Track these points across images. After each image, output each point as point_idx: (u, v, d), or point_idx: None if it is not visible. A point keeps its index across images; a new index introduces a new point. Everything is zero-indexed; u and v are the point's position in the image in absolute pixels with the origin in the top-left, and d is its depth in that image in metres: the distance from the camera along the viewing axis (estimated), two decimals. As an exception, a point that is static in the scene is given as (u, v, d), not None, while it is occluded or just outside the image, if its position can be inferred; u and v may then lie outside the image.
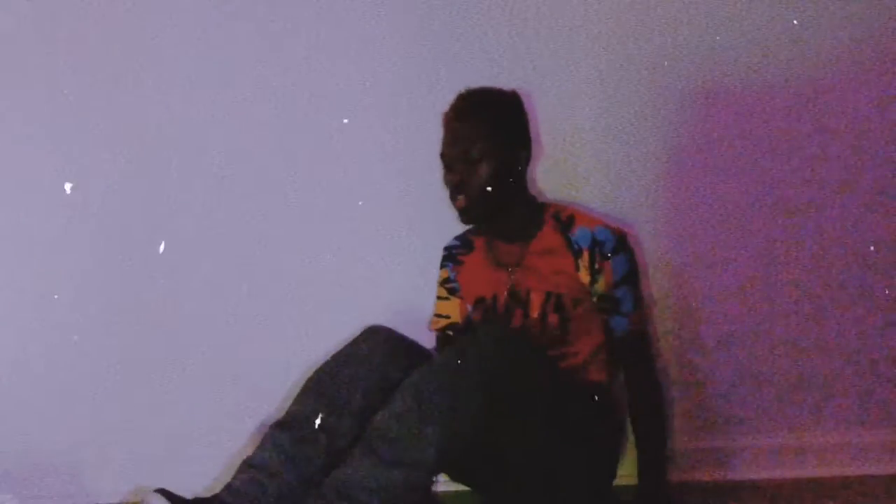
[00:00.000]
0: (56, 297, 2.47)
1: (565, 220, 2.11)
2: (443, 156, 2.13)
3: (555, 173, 2.45)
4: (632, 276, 2.08)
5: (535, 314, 2.10)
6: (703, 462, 2.42)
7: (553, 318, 2.09)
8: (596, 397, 2.08)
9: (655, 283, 2.43)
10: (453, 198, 2.11)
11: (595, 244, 2.07)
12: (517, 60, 2.45)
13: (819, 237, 2.46)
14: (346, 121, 2.36)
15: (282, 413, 1.99)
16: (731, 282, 2.45)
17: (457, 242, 2.29)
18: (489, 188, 2.08)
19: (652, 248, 2.45)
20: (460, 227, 2.30)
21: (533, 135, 2.25)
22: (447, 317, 2.28)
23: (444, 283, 2.30)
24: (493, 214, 2.12)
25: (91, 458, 2.46)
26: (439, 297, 2.31)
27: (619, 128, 2.45)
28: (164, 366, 2.47)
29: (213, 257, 2.49)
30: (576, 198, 2.45)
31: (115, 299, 2.48)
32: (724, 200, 2.46)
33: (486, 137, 2.09)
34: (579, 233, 2.09)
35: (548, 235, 2.12)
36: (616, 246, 2.07)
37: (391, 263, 2.46)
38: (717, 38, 2.44)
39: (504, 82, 2.26)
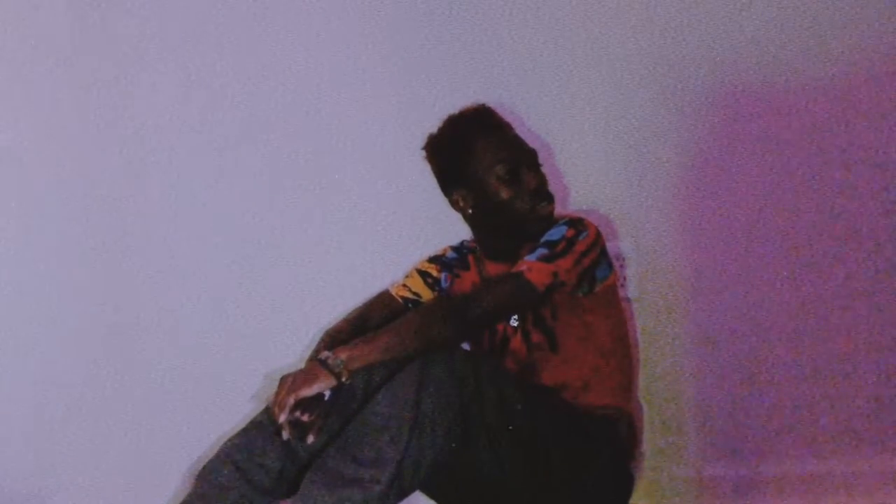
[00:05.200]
0: (26, 313, 2.45)
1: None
2: (502, 162, 2.06)
3: (551, 186, 2.34)
4: (560, 242, 1.97)
5: (517, 335, 2.07)
6: (722, 491, 2.39)
7: (537, 337, 2.05)
8: (589, 421, 2.02)
9: (668, 298, 2.41)
10: (534, 207, 2.06)
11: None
12: (519, 63, 2.44)
13: (845, 247, 2.41)
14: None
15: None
16: (750, 297, 2.42)
17: (455, 255, 2.26)
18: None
19: (663, 259, 2.42)
20: (459, 231, 2.24)
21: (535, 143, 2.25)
22: (417, 295, 2.24)
23: (432, 265, 2.27)
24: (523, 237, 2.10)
25: (63, 484, 2.43)
26: (420, 273, 2.26)
27: (626, 132, 2.44)
28: (138, 386, 2.45)
29: (195, 268, 2.47)
30: (581, 205, 2.43)
31: (87, 317, 2.45)
32: (740, 208, 2.43)
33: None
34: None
35: (526, 251, 2.05)
36: (562, 222, 2.02)
37: (386, 275, 2.36)
38: (730, 35, 2.42)
39: (506, 86, 2.32)
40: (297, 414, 1.81)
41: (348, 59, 2.46)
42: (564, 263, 1.95)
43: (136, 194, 2.46)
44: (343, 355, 1.83)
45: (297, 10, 2.45)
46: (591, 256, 1.99)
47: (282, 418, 1.80)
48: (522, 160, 2.06)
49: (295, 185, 2.46)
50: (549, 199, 2.08)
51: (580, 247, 1.97)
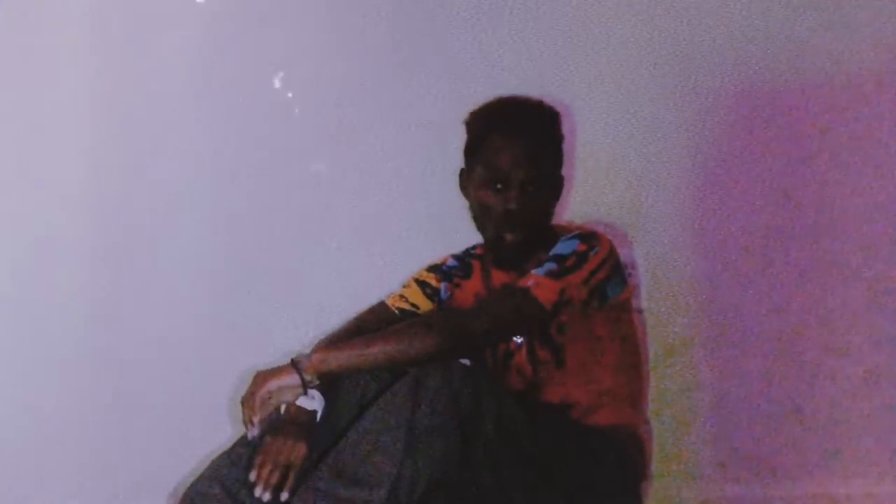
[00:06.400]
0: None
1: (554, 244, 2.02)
2: (491, 168, 2.00)
3: (567, 186, 2.38)
4: (570, 257, 1.91)
5: (522, 350, 2.03)
6: (738, 513, 2.40)
7: (543, 353, 2.00)
8: (592, 439, 1.97)
9: (680, 307, 2.40)
10: (503, 229, 2.00)
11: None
12: (522, 63, 2.43)
13: (867, 251, 2.39)
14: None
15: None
16: (768, 306, 2.40)
17: (455, 263, 2.21)
18: (543, 219, 2.01)
19: (678, 268, 2.40)
20: (462, 237, 2.19)
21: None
22: (415, 306, 2.17)
23: (431, 274, 2.23)
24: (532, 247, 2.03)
25: None
26: (419, 283, 2.22)
27: (633, 133, 2.42)
28: (123, 402, 2.44)
29: (188, 278, 2.46)
30: (591, 212, 2.40)
31: (70, 331, 2.44)
32: (754, 212, 2.40)
33: (550, 155, 2.02)
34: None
35: (533, 266, 2.01)
36: (573, 235, 1.97)
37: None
38: (741, 31, 2.39)
39: (506, 87, 2.25)
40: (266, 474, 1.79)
41: (347, 59, 2.45)
42: (574, 279, 1.90)
43: (126, 195, 2.45)
44: (315, 356, 1.82)
45: (298, 9, 2.45)
46: (602, 273, 1.93)
47: (252, 432, 1.82)
48: (517, 178, 1.98)
49: (291, 188, 2.45)
50: (518, 228, 1.99)
51: (592, 263, 1.91)
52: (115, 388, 2.42)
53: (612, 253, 1.96)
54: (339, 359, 1.83)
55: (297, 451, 1.78)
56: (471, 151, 2.04)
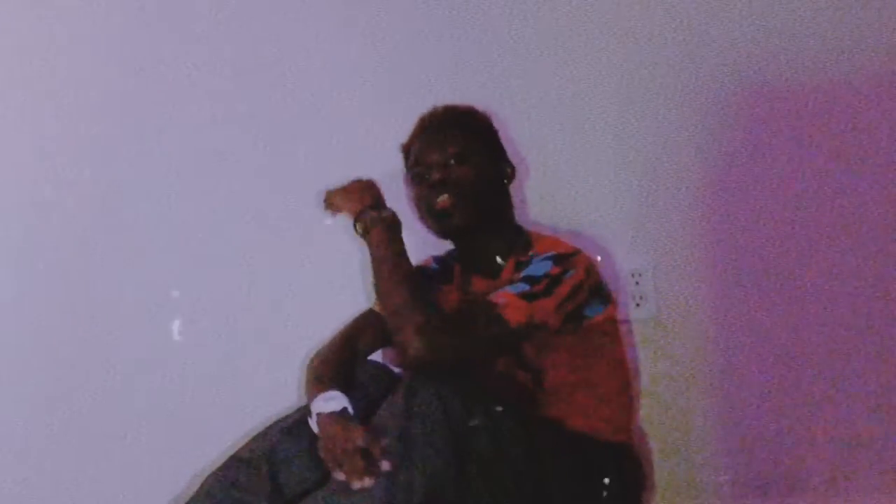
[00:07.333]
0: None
1: (527, 258, 1.98)
2: (416, 166, 2.07)
3: (558, 197, 2.39)
4: (542, 280, 1.89)
5: (500, 369, 2.01)
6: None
7: (522, 376, 1.98)
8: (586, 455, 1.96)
9: (687, 316, 2.36)
10: (434, 199, 2.02)
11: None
12: (522, 63, 2.41)
13: (884, 258, 2.33)
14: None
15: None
16: (779, 315, 2.35)
17: (437, 266, 2.20)
18: (476, 189, 2.01)
19: (679, 286, 2.37)
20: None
21: (528, 151, 2.29)
22: None
23: None
24: (480, 223, 2.03)
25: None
26: None
27: (639, 136, 2.39)
28: (110, 417, 2.41)
29: (173, 287, 2.44)
30: (582, 226, 2.38)
31: (39, 339, 2.43)
32: (765, 218, 2.36)
33: (469, 141, 2.06)
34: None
35: (507, 275, 2.01)
36: (548, 255, 1.94)
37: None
38: (749, 31, 2.36)
39: (509, 86, 2.32)
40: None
41: (346, 60, 2.45)
42: (545, 305, 1.87)
43: (124, 194, 2.45)
44: (380, 228, 1.92)
45: (295, 9, 2.45)
46: (577, 299, 1.91)
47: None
48: (434, 161, 2.03)
49: (290, 190, 2.43)
50: (447, 193, 2.00)
51: (564, 288, 1.88)
52: (114, 392, 2.41)
53: (590, 275, 1.94)
54: (379, 257, 1.91)
55: (353, 433, 1.73)
56: (407, 174, 2.13)
